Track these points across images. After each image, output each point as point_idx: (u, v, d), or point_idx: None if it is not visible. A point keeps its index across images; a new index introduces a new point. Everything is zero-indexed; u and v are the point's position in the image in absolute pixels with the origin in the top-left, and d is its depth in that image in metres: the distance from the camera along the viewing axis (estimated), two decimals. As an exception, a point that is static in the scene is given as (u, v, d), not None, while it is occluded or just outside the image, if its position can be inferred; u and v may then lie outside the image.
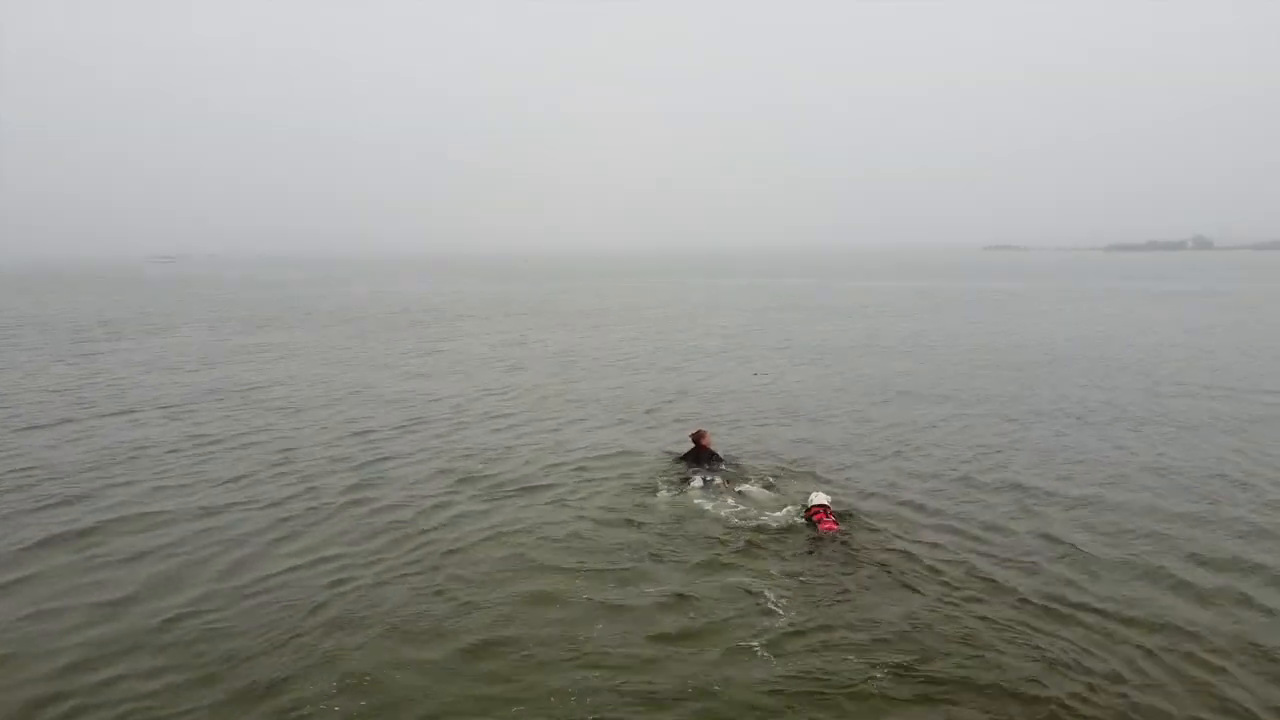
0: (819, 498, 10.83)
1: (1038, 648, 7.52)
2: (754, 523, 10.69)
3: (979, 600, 8.49)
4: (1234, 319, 38.86)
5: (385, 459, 14.32)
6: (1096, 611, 8.27)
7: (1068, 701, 6.71)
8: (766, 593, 8.61)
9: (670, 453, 14.16)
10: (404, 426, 16.86)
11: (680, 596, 8.64)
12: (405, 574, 9.35)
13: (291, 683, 7.12)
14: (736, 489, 12.10)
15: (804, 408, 18.65)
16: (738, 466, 13.43)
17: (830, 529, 10.24)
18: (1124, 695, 6.82)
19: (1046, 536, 10.35)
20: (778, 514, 10.89)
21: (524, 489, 12.55)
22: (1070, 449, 14.72)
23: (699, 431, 13.66)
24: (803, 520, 10.57)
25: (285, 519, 11.25)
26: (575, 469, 13.62)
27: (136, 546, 10.34)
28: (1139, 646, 7.60)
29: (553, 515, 11.28)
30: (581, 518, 11.15)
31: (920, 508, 11.49)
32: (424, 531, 10.71)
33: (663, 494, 12.04)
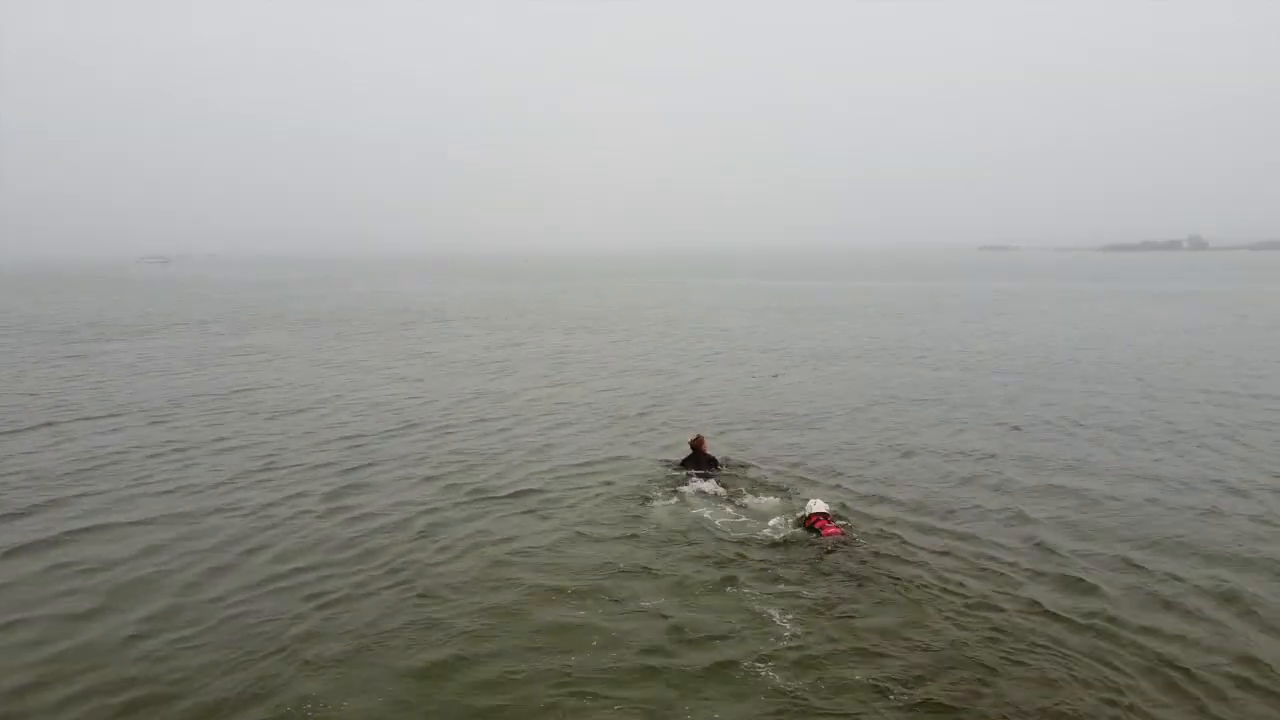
0: (818, 505, 10.55)
1: (1038, 658, 7.22)
2: (751, 533, 10.31)
3: (980, 610, 8.12)
4: (1233, 319, 38.51)
5: (371, 464, 13.95)
6: (1101, 621, 7.97)
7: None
8: (768, 609, 8.19)
9: (667, 461, 13.76)
10: (392, 431, 16.49)
11: (674, 610, 8.25)
12: (384, 586, 8.96)
13: (257, 703, 6.75)
14: (733, 495, 11.74)
15: (802, 411, 18.29)
16: (735, 472, 13.07)
17: (834, 533, 9.93)
18: (1131, 708, 6.57)
19: (1042, 544, 10.04)
20: (775, 522, 10.52)
21: (514, 494, 12.19)
22: (1071, 454, 14.37)
23: (697, 437, 13.35)
24: (801, 529, 10.21)
25: (264, 527, 10.87)
26: (574, 473, 13.29)
27: (107, 556, 9.95)
28: (1143, 657, 7.34)
29: (537, 525, 10.88)
30: (572, 526, 10.76)
31: (918, 512, 11.19)
32: (406, 541, 10.32)
33: (659, 501, 11.66)
